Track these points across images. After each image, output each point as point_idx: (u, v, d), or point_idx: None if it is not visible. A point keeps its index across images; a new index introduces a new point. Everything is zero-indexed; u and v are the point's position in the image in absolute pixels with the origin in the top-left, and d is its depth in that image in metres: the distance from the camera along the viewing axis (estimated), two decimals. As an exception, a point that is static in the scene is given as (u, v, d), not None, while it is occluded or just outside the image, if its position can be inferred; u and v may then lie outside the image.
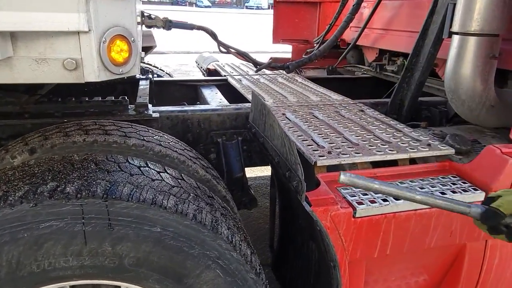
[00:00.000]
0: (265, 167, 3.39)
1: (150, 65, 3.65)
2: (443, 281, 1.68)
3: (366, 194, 1.42)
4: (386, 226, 1.38)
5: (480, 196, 1.46)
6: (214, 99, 2.56)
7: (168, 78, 3.39)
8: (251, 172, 4.19)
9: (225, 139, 2.19)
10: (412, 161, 1.70)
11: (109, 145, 1.49)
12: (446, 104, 2.38)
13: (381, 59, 3.25)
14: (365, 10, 3.20)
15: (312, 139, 1.72)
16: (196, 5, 59.27)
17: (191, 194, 1.29)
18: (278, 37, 4.08)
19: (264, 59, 3.50)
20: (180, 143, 1.76)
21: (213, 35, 2.48)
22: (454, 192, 1.46)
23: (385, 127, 1.93)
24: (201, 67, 3.85)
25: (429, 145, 1.70)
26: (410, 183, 1.52)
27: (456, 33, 1.87)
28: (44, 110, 1.89)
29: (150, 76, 3.02)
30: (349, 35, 3.42)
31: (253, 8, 57.94)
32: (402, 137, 1.79)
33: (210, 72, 3.59)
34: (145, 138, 1.59)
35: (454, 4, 1.88)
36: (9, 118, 1.84)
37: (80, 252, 1.05)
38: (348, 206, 1.34)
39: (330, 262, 1.35)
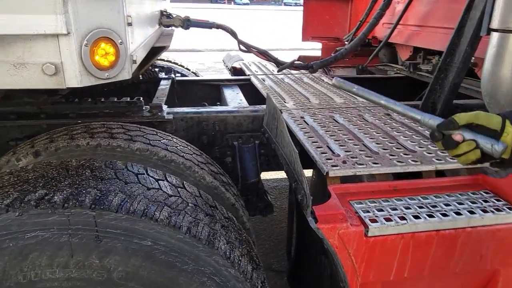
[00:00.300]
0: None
1: (176, 64, 3.62)
2: (472, 309, 1.51)
3: (382, 210, 1.28)
4: (403, 247, 1.24)
5: (516, 216, 1.29)
6: (234, 99, 2.49)
7: (190, 78, 3.35)
8: (277, 174, 4.09)
9: (241, 142, 2.11)
10: (440, 173, 1.53)
11: (112, 149, 1.45)
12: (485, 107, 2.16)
13: (415, 57, 3.03)
14: (399, 5, 2.99)
15: (327, 146, 1.59)
16: (235, 3, 59.64)
17: (190, 204, 1.22)
18: (307, 34, 3.94)
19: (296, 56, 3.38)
20: (189, 147, 1.70)
21: (233, 34, 2.40)
22: (484, 211, 1.29)
23: (411, 133, 1.77)
24: (227, 66, 3.79)
25: (459, 155, 1.52)
26: (435, 198, 1.37)
27: (496, 30, 1.70)
28: (60, 111, 1.90)
29: (173, 75, 3.00)
30: (381, 32, 3.23)
31: (291, 5, 57.41)
32: (429, 146, 1.62)
33: (235, 71, 3.51)
34: (151, 142, 1.54)
35: (494, -2, 1.69)
36: (27, 119, 1.86)
37: (66, 264, 1.01)
38: (360, 224, 1.21)
39: (340, 283, 1.24)
